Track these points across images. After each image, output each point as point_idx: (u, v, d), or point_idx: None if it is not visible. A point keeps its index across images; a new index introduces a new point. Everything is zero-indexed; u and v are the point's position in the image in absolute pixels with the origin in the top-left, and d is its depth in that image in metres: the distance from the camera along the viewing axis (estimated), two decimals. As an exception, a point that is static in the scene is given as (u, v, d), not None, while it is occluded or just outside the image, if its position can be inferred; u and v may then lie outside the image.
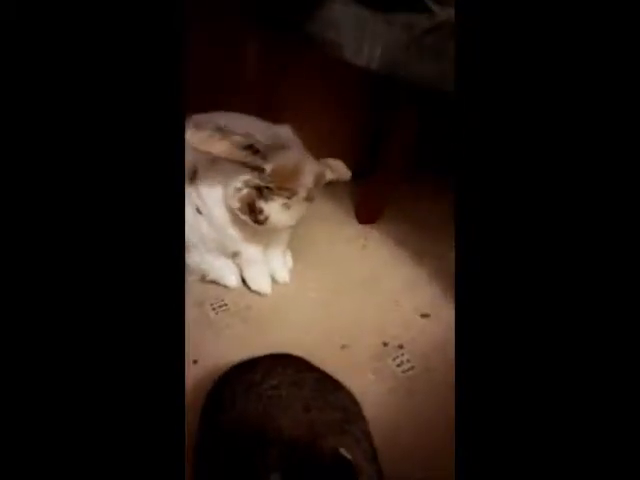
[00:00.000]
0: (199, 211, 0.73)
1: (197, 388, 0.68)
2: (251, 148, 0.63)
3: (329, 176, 0.72)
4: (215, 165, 0.70)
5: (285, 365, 0.50)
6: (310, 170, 0.69)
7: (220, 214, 0.73)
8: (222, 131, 0.62)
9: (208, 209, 0.73)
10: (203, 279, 0.83)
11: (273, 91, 0.82)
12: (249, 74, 0.94)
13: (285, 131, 0.73)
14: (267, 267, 0.84)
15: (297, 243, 0.90)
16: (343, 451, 0.36)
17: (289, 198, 0.67)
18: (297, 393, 0.45)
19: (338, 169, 0.73)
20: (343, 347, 0.75)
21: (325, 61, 0.90)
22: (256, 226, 0.69)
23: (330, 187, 0.76)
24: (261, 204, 0.67)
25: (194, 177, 0.72)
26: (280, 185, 0.66)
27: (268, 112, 0.78)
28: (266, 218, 0.68)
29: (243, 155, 0.63)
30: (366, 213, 1.03)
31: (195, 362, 0.71)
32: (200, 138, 0.61)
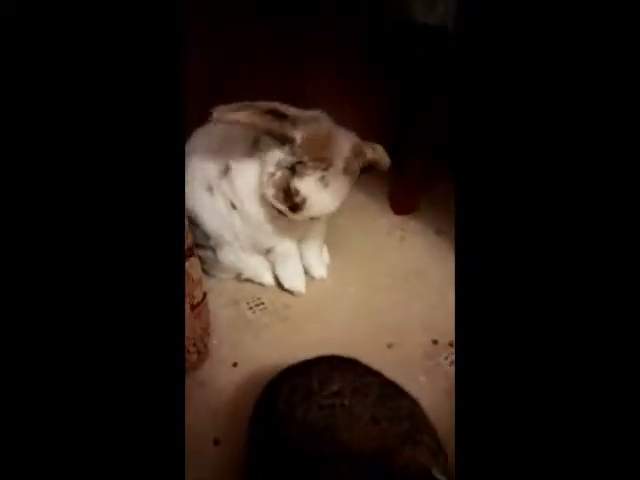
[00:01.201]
0: (233, 206, 0.70)
1: (239, 392, 0.65)
2: (275, 112, 0.59)
3: (370, 155, 0.66)
4: (248, 159, 0.67)
5: (342, 370, 0.46)
6: (345, 139, 0.63)
7: (253, 207, 0.69)
8: (246, 104, 0.59)
9: (242, 203, 0.69)
10: (238, 277, 0.79)
11: (282, 91, 0.79)
12: (254, 74, 0.90)
13: (315, 112, 0.68)
14: (301, 264, 0.80)
15: (331, 237, 0.86)
16: (436, 472, 0.32)
17: (325, 170, 0.60)
18: (362, 402, 0.41)
19: (378, 151, 0.68)
20: (389, 346, 0.71)
21: (333, 57, 0.85)
22: (293, 215, 0.63)
23: (362, 178, 0.71)
24: (296, 183, 0.60)
25: (227, 172, 0.68)
26: (314, 156, 0.60)
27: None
28: (303, 201, 0.61)
29: (268, 119, 0.59)
30: (402, 203, 0.98)
31: (235, 365, 0.68)
32: (223, 110, 0.58)
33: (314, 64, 0.93)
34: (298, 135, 0.60)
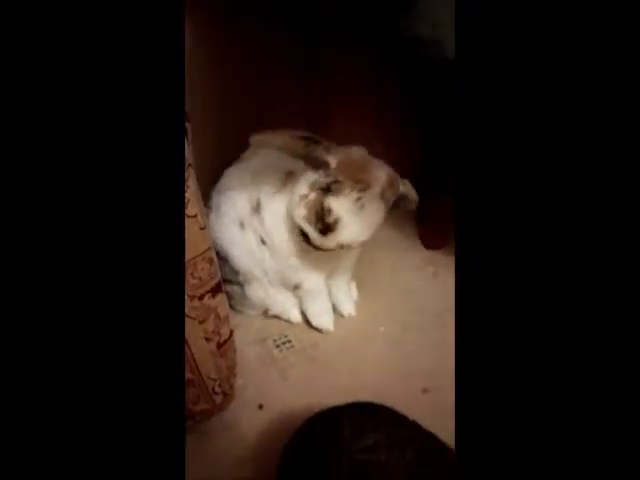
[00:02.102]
0: (263, 242, 0.70)
1: (265, 437, 0.62)
2: (310, 139, 0.59)
3: (402, 188, 0.64)
4: (279, 193, 0.67)
5: (376, 419, 0.43)
6: (381, 167, 0.61)
7: (282, 241, 0.68)
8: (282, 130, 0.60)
9: (271, 238, 0.69)
10: (265, 313, 0.78)
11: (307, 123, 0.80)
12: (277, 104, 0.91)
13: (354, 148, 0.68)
14: (329, 301, 0.78)
15: (359, 273, 0.83)
16: None
17: (363, 191, 0.57)
18: (399, 458, 0.37)
19: (408, 186, 0.66)
20: (424, 391, 0.66)
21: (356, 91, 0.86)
22: (322, 241, 0.58)
23: (390, 213, 0.69)
24: (330, 201, 0.57)
25: (258, 208, 0.69)
26: (351, 177, 0.58)
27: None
28: (336, 221, 0.57)
29: (303, 144, 0.59)
30: (432, 238, 0.95)
31: (261, 407, 0.65)
32: (261, 135, 0.59)
33: (338, 97, 0.94)
34: (333, 160, 0.59)
